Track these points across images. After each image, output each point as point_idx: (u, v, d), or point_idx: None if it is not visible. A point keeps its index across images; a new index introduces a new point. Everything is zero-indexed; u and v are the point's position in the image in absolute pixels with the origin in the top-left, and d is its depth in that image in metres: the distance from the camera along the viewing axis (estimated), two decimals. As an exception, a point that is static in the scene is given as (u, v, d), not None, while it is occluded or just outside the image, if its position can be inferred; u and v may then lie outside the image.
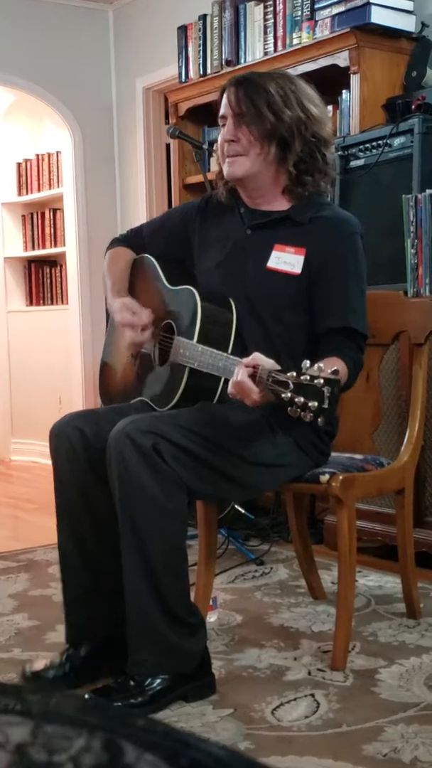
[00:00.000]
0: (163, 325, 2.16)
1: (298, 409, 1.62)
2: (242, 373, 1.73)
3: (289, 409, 1.64)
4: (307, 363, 1.65)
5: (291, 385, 1.63)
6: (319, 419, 1.61)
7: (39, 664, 2.09)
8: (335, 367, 1.65)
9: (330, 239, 2.06)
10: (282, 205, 2.13)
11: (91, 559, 2.06)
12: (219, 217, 2.21)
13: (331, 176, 2.15)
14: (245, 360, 1.76)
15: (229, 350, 2.02)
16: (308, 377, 1.62)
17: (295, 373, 1.64)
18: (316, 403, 1.60)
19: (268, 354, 1.93)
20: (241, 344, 2.05)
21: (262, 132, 2.04)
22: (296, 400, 1.61)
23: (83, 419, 2.07)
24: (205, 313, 2.03)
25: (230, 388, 1.77)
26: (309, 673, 2.09)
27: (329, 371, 1.62)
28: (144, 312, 2.17)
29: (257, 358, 1.75)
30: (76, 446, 2.02)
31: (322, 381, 1.60)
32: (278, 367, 1.70)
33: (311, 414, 1.61)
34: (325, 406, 1.60)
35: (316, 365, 1.64)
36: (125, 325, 2.16)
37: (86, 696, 1.87)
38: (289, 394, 1.62)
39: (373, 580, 2.80)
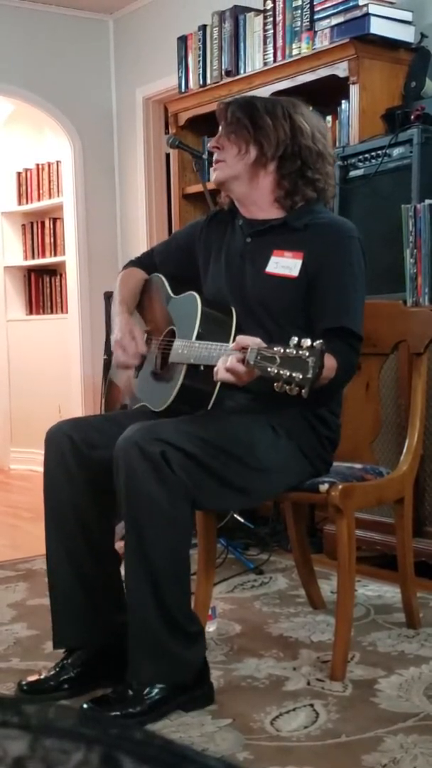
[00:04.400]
0: (167, 332, 2.19)
1: (284, 384, 1.66)
2: (231, 358, 1.76)
3: (275, 384, 1.67)
4: (294, 339, 1.69)
5: (278, 360, 1.67)
6: (304, 390, 1.65)
7: (34, 677, 2.09)
8: (320, 340, 1.68)
9: (326, 243, 2.09)
10: (276, 214, 2.17)
11: (80, 567, 2.07)
12: (221, 233, 2.25)
13: (327, 189, 2.17)
14: (233, 344, 1.81)
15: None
16: (293, 350, 1.66)
17: (281, 348, 1.68)
18: (300, 375, 1.64)
19: None
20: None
21: (240, 138, 2.12)
22: (281, 372, 1.66)
23: (73, 426, 2.09)
24: (204, 313, 2.07)
25: (220, 374, 1.80)
26: (308, 683, 2.09)
27: (315, 343, 1.66)
28: (140, 342, 2.23)
29: (243, 340, 1.78)
30: (65, 453, 2.04)
31: (306, 352, 1.65)
32: (265, 345, 1.73)
33: (296, 386, 1.65)
34: (309, 375, 1.64)
35: (302, 339, 1.68)
36: (119, 347, 2.22)
37: (84, 706, 1.88)
38: (275, 369, 1.67)
39: (372, 590, 2.79)
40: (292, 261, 2.08)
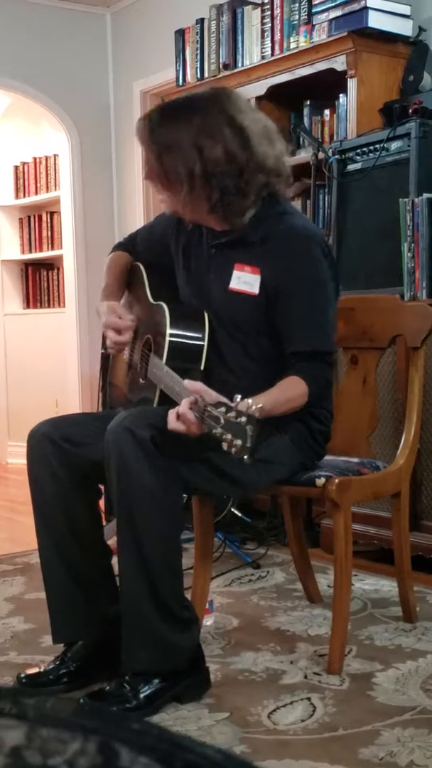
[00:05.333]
0: (145, 340, 2.20)
1: (229, 446, 1.62)
2: (184, 404, 1.73)
3: (222, 444, 1.64)
4: (237, 398, 1.65)
5: (222, 421, 1.63)
6: (245, 457, 1.62)
7: (32, 670, 2.09)
8: (260, 404, 1.64)
9: (285, 256, 2.01)
10: (231, 226, 2.08)
11: (71, 562, 2.08)
12: (190, 236, 2.19)
13: (267, 189, 2.02)
14: (190, 387, 1.77)
15: (202, 365, 2.04)
16: (234, 414, 1.62)
17: (224, 409, 1.64)
18: (240, 441, 1.61)
19: (245, 364, 2.01)
20: (218, 354, 2.07)
21: (160, 184, 2.02)
22: (225, 436, 1.62)
23: (51, 425, 2.08)
24: (173, 336, 2.04)
25: (170, 424, 1.75)
26: (305, 677, 2.09)
27: (254, 408, 1.61)
28: (128, 316, 2.20)
29: (200, 389, 1.75)
30: (46, 451, 2.03)
31: (244, 419, 1.60)
32: (217, 400, 1.69)
33: (238, 453, 1.62)
34: (248, 445, 1.60)
35: (245, 401, 1.64)
36: (108, 327, 2.19)
37: (81, 700, 1.88)
38: (219, 430, 1.63)
39: (369, 584, 2.80)
40: (252, 276, 2.04)
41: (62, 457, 2.03)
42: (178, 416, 1.73)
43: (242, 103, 2.02)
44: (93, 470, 1.98)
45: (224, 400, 1.69)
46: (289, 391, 1.94)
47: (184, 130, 1.95)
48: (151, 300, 2.21)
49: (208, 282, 2.12)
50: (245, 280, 2.04)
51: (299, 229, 2.05)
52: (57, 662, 2.08)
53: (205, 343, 2.07)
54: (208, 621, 2.42)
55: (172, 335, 2.04)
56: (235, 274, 2.06)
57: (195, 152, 1.93)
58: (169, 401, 1.91)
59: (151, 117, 2.03)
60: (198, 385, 1.77)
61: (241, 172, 1.96)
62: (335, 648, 2.11)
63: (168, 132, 1.97)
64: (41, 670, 2.08)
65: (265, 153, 1.99)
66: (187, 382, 1.79)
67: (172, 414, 1.75)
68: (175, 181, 1.97)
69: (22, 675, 2.07)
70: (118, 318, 2.19)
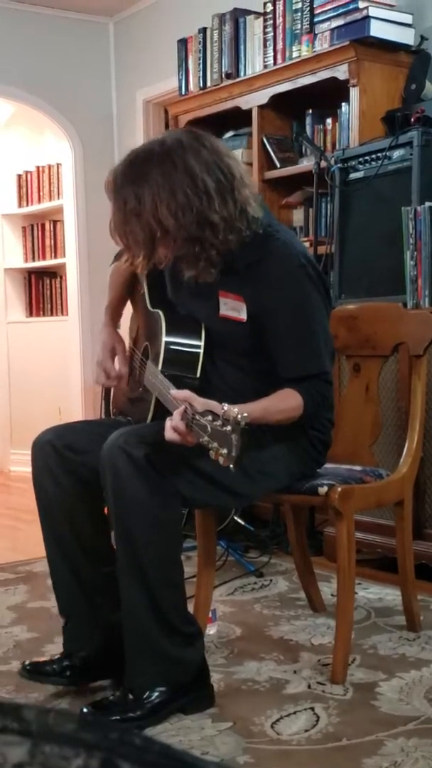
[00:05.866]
0: (144, 347, 2.21)
1: (216, 455, 1.62)
2: (176, 415, 1.73)
3: (210, 452, 1.64)
4: (225, 406, 1.64)
5: (209, 429, 1.63)
6: (231, 466, 1.61)
7: (39, 657, 2.13)
8: (245, 413, 1.61)
9: (264, 286, 1.98)
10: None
11: (76, 569, 2.09)
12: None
13: (236, 232, 1.92)
14: (177, 396, 1.76)
15: (198, 373, 2.05)
16: (220, 423, 1.62)
17: (211, 417, 1.64)
18: (225, 450, 1.60)
19: (241, 379, 2.02)
20: (213, 366, 2.08)
21: (128, 245, 1.94)
22: (212, 445, 1.62)
23: (55, 433, 2.09)
24: (168, 344, 2.05)
25: (167, 433, 1.74)
26: (309, 687, 2.08)
27: (239, 417, 1.59)
28: (122, 361, 2.26)
29: (188, 398, 1.74)
30: (50, 460, 2.05)
31: (230, 428, 1.60)
32: (205, 408, 1.68)
33: (224, 461, 1.61)
34: (233, 454, 1.59)
35: (232, 409, 1.62)
36: (100, 367, 2.25)
37: (84, 710, 1.88)
38: (207, 439, 1.63)
39: (372, 593, 2.79)
40: (237, 303, 2.02)
41: (65, 464, 2.04)
42: (173, 428, 1.73)
43: (205, 153, 1.90)
44: (95, 478, 1.98)
45: (213, 405, 1.69)
46: (282, 403, 1.94)
47: (147, 189, 1.86)
48: (150, 307, 2.21)
49: (201, 309, 2.11)
50: (231, 306, 2.03)
51: (281, 253, 1.98)
52: (61, 655, 2.10)
53: (201, 351, 2.07)
54: (211, 630, 2.41)
55: (167, 343, 2.05)
56: (221, 300, 2.04)
57: (155, 218, 1.85)
58: (165, 409, 1.92)
59: (117, 182, 1.92)
60: (185, 393, 1.76)
61: (205, 232, 1.88)
62: (339, 657, 2.10)
63: (134, 189, 1.87)
64: (46, 658, 2.10)
65: (236, 199, 1.91)
66: (174, 392, 1.80)
67: (167, 424, 1.76)
68: (143, 249, 1.90)
69: (27, 662, 2.10)
70: (111, 361, 2.24)
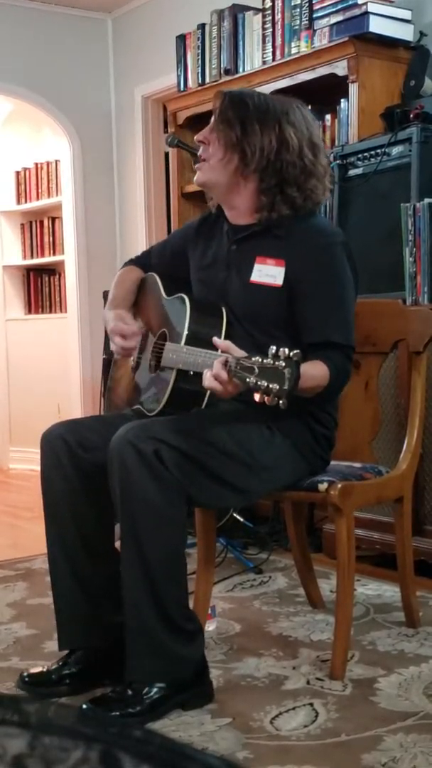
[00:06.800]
0: (159, 334, 2.20)
1: (264, 394, 1.65)
2: (216, 364, 1.75)
3: (255, 395, 1.67)
4: (273, 348, 1.67)
5: (256, 370, 1.66)
6: (281, 401, 1.64)
7: (36, 669, 2.10)
8: (297, 350, 1.66)
9: (308, 251, 2.05)
10: (257, 220, 2.12)
11: (78, 568, 2.08)
12: (210, 238, 2.24)
13: (306, 204, 2.09)
14: (219, 344, 1.80)
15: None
16: (270, 360, 1.65)
17: (260, 359, 1.67)
18: (277, 385, 1.63)
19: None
20: (243, 337, 2.06)
21: (227, 141, 2.07)
22: (260, 383, 1.64)
23: (67, 428, 2.10)
24: (193, 318, 2.06)
25: (206, 381, 1.78)
26: (308, 682, 2.09)
27: (291, 353, 1.64)
28: (135, 322, 2.23)
29: (229, 347, 1.77)
30: (60, 455, 2.05)
31: (283, 363, 1.63)
32: (245, 355, 1.72)
33: (275, 397, 1.64)
34: (286, 387, 1.63)
35: (280, 349, 1.66)
36: (114, 332, 2.21)
37: (84, 706, 1.88)
38: (254, 379, 1.65)
39: (371, 589, 2.79)
40: (275, 269, 2.05)
41: (74, 460, 2.04)
42: (213, 375, 1.75)
43: (311, 117, 2.16)
44: (102, 476, 1.98)
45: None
46: (312, 369, 1.91)
47: (273, 112, 2.06)
48: (165, 296, 2.23)
49: (226, 279, 2.13)
50: (267, 273, 2.06)
51: (325, 228, 2.13)
52: (60, 663, 2.09)
53: (223, 330, 2.07)
54: (210, 626, 2.41)
55: (191, 323, 2.05)
56: (256, 267, 2.08)
57: (276, 137, 2.04)
58: (180, 395, 1.92)
59: (244, 91, 2.17)
60: (226, 343, 1.79)
61: (297, 179, 2.05)
62: (338, 653, 2.10)
63: (261, 104, 2.08)
64: (44, 669, 2.08)
65: (324, 164, 2.11)
66: (215, 339, 1.82)
67: (207, 374, 1.77)
68: (246, 150, 2.04)
69: (25, 674, 2.08)
70: (125, 324, 2.21)
